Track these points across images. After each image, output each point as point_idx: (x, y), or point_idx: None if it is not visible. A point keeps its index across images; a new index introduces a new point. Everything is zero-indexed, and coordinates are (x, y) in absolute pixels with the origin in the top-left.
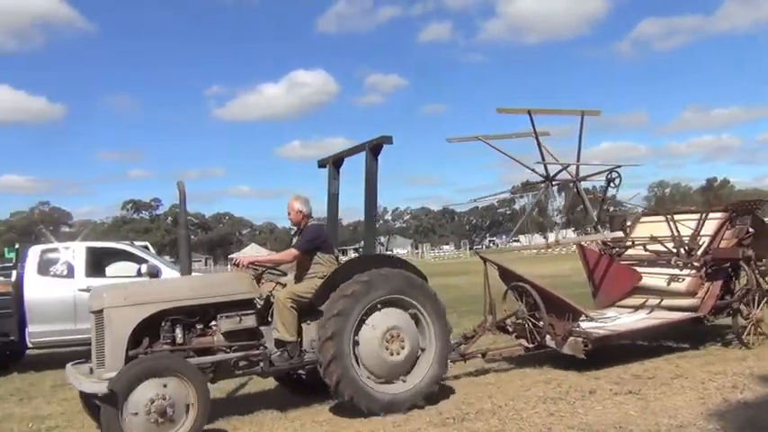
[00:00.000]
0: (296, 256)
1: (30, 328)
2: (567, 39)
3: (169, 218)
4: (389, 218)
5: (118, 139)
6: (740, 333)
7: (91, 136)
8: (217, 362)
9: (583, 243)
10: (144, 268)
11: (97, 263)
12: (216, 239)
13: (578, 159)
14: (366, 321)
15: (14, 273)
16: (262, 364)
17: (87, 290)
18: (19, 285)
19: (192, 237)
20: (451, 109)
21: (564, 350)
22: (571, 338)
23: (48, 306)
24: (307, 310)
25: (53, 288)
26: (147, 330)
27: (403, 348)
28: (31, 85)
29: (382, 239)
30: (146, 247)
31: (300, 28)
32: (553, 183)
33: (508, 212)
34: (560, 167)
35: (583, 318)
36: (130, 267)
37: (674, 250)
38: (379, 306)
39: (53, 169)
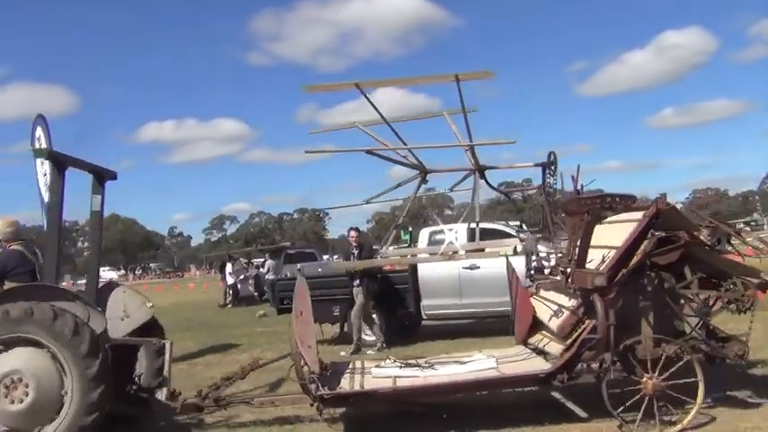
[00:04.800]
0: None
1: (424, 302)
2: None
3: (541, 197)
4: None
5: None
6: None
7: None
8: None
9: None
10: (520, 246)
11: None
12: None
13: (470, 139)
14: None
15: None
16: None
17: (471, 268)
18: (414, 264)
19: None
20: None
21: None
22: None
23: (438, 282)
24: None
25: (441, 266)
26: None
27: (27, 395)
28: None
29: None
30: (519, 226)
31: None
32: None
33: None
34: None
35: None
36: (508, 244)
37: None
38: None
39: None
